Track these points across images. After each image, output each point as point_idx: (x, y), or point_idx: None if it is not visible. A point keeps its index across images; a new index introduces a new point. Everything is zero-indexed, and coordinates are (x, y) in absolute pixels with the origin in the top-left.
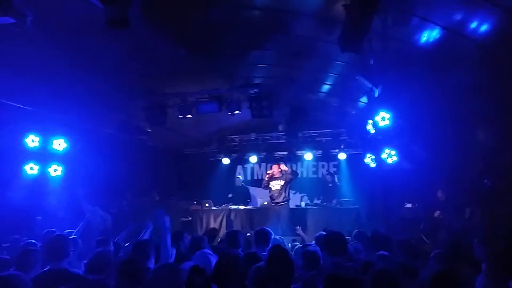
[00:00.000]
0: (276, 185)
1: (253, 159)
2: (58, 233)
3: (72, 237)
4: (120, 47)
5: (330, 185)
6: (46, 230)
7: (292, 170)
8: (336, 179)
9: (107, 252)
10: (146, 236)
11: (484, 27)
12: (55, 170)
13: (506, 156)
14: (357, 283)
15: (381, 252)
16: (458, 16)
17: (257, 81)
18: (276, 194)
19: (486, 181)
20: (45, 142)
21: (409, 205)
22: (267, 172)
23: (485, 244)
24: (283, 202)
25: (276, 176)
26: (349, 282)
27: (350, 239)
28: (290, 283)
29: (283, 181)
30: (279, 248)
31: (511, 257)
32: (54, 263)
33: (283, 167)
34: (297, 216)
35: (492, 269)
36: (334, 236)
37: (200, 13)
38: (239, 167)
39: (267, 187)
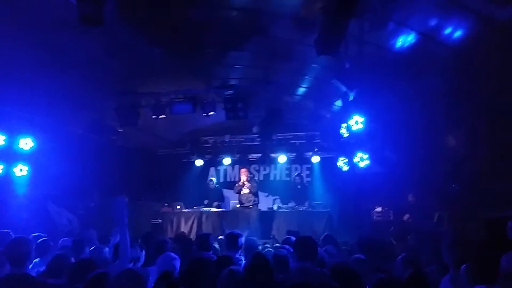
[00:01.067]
0: (245, 189)
1: (227, 161)
2: (19, 236)
3: (43, 239)
4: (93, 45)
5: (299, 187)
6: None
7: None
8: (304, 181)
9: (65, 255)
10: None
11: (458, 33)
12: (21, 170)
13: (474, 161)
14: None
15: (357, 255)
16: (433, 22)
17: (233, 82)
18: (245, 198)
19: (454, 185)
20: (11, 140)
21: (379, 209)
22: (240, 181)
23: (453, 249)
24: (253, 205)
25: (247, 181)
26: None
27: (319, 242)
28: None
29: (250, 185)
30: (260, 257)
31: (478, 262)
32: (15, 267)
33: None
34: (269, 218)
35: (459, 273)
36: (303, 240)
37: (177, 12)
38: (212, 169)
39: (240, 192)
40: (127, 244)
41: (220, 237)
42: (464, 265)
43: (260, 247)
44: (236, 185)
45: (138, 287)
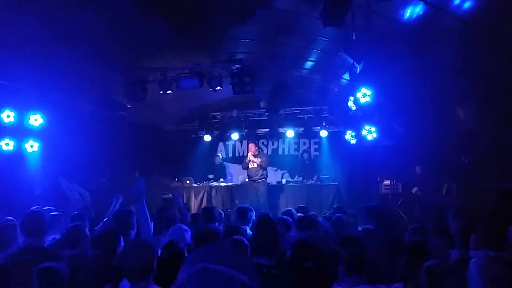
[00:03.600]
0: (253, 164)
1: (235, 136)
2: (35, 208)
3: (55, 213)
4: (100, 21)
5: (307, 162)
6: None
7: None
8: (312, 155)
9: (81, 226)
10: (116, 208)
11: (467, 3)
12: (32, 146)
13: (484, 134)
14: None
15: (367, 226)
16: None
17: (239, 56)
18: (253, 172)
19: (463, 158)
20: (21, 117)
21: (387, 182)
22: (248, 156)
23: (458, 218)
24: (261, 179)
25: (255, 154)
26: (315, 247)
27: (329, 214)
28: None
29: (260, 160)
30: (267, 218)
31: (486, 230)
32: (31, 239)
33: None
34: (278, 192)
35: (466, 241)
36: (304, 217)
37: None
38: (221, 144)
39: (247, 167)
40: (147, 218)
41: (228, 209)
42: (472, 234)
43: None
44: (245, 160)
45: (148, 255)
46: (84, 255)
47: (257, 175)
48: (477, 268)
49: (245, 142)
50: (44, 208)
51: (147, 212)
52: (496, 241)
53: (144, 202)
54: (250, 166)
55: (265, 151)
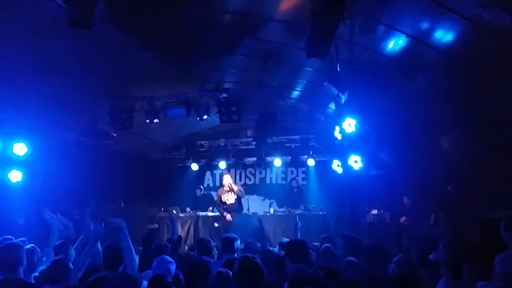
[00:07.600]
0: (230, 198)
1: (222, 165)
2: (10, 241)
3: (30, 246)
4: (86, 48)
5: (295, 190)
6: (1, 238)
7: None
8: (300, 184)
9: (64, 260)
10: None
11: (448, 37)
12: (15, 176)
13: (468, 163)
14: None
15: (349, 258)
16: (423, 25)
17: (226, 85)
18: (230, 208)
19: (449, 187)
20: (5, 146)
21: (374, 211)
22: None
23: (448, 248)
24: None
25: (229, 190)
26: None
27: (318, 246)
28: None
29: (237, 196)
30: (247, 260)
31: (473, 260)
32: (7, 273)
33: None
34: (265, 222)
35: (455, 272)
36: (296, 243)
37: (169, 16)
38: (208, 173)
39: (220, 205)
40: (132, 250)
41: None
42: (464, 266)
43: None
44: (217, 197)
45: None
46: None
47: (234, 210)
48: None
49: (232, 170)
50: (20, 239)
51: (131, 245)
52: (486, 271)
53: (127, 235)
54: (227, 202)
55: (252, 180)
